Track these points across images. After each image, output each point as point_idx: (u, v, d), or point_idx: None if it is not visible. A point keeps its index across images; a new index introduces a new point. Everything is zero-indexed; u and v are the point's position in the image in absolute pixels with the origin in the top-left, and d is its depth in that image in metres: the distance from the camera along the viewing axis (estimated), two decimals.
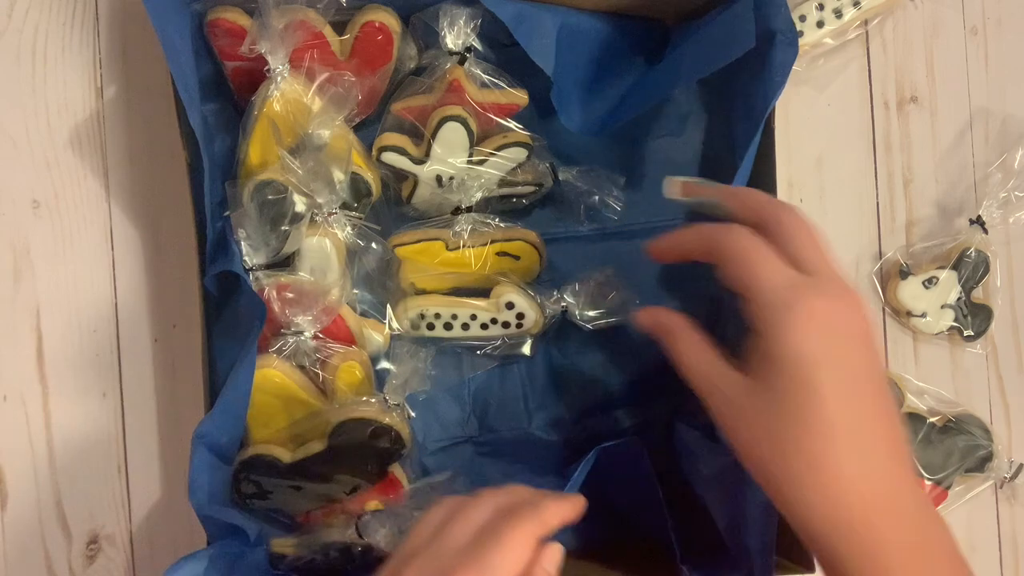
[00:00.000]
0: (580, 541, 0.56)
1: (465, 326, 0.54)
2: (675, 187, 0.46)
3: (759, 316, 0.39)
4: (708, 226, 0.43)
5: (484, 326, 0.54)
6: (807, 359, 0.38)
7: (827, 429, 0.38)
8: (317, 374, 0.51)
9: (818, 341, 0.38)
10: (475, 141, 0.52)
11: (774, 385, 0.39)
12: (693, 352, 0.43)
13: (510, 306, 0.53)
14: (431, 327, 0.54)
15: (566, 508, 0.42)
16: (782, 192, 0.53)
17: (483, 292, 0.54)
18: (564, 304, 0.54)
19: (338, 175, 0.50)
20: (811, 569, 0.50)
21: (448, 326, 0.54)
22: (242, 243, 0.50)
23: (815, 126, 0.61)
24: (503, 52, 0.54)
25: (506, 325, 0.54)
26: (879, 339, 0.41)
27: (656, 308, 0.46)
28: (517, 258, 0.54)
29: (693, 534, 0.50)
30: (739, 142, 0.52)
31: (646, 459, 0.49)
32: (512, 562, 0.37)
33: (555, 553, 0.39)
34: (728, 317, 0.57)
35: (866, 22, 0.61)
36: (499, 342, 0.55)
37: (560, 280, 0.55)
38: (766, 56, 0.50)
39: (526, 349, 0.56)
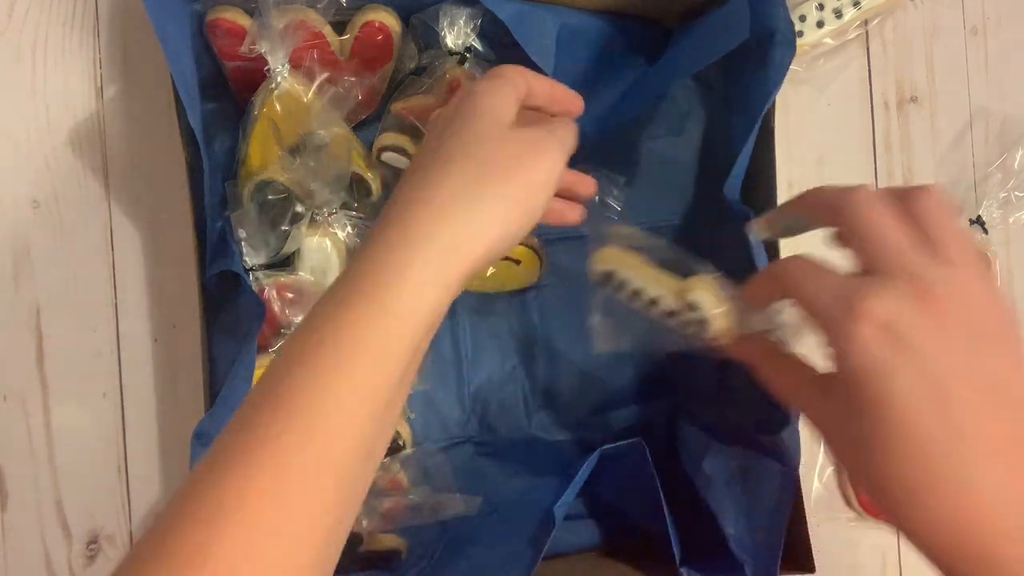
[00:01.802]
0: (581, 541, 0.56)
1: (647, 307, 0.47)
2: (760, 228, 0.44)
3: (829, 337, 0.35)
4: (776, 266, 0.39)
5: (664, 315, 0.47)
6: (871, 372, 0.33)
7: (912, 451, 0.33)
8: None
9: (884, 349, 0.33)
10: None
11: (849, 404, 0.34)
12: (778, 382, 0.40)
13: (693, 307, 0.45)
14: (617, 289, 0.48)
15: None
16: (782, 192, 0.53)
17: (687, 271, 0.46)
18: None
19: (338, 175, 0.50)
20: (811, 570, 0.49)
21: (631, 299, 0.48)
22: (242, 243, 0.50)
23: (815, 126, 0.61)
24: (503, 52, 0.54)
25: (686, 323, 0.46)
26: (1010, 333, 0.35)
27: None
28: (517, 262, 0.54)
29: (694, 536, 0.50)
30: (737, 141, 0.52)
31: (648, 460, 0.49)
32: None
33: None
34: None
35: (866, 22, 0.61)
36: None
37: (562, 278, 0.55)
38: (765, 55, 0.50)
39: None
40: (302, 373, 0.33)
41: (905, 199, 0.37)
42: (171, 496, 0.31)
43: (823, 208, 0.40)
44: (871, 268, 0.35)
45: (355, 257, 0.36)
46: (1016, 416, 0.33)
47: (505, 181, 0.37)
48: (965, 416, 0.33)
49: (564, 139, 0.41)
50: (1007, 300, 0.35)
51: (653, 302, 0.46)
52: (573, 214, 0.47)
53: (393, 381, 0.34)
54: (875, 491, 0.35)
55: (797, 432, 0.48)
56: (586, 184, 0.47)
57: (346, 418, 0.32)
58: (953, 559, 0.34)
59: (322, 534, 0.32)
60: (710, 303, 0.44)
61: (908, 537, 0.34)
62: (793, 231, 0.43)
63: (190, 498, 0.31)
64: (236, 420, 0.33)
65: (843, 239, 0.37)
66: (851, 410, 0.35)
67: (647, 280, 0.46)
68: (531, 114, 0.44)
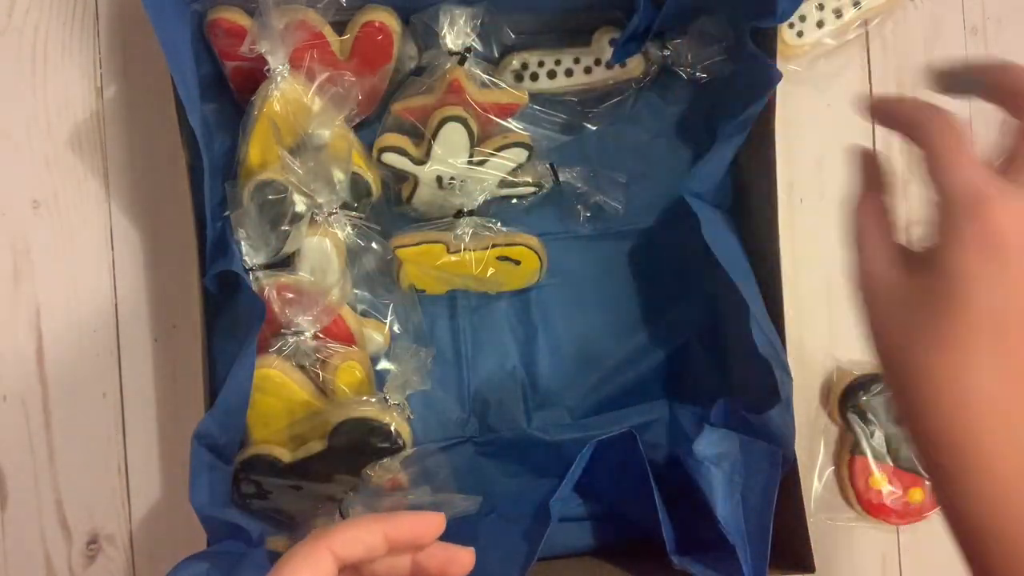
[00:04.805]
0: (581, 543, 0.56)
1: (569, 72, 0.54)
2: (932, 74, 0.40)
3: (940, 218, 0.35)
4: (917, 103, 0.38)
5: (588, 69, 0.54)
6: (964, 274, 0.33)
7: (968, 351, 0.33)
8: (317, 374, 0.51)
9: (983, 259, 0.33)
10: (476, 142, 0.52)
11: (931, 292, 0.35)
12: (868, 225, 0.41)
13: (613, 43, 0.53)
14: (535, 77, 0.54)
15: (375, 527, 0.35)
16: (782, 193, 0.53)
17: (584, 40, 0.54)
18: (667, 52, 0.54)
19: (338, 175, 0.50)
20: (811, 570, 0.50)
21: (552, 74, 0.54)
22: (242, 243, 0.50)
23: (815, 126, 0.61)
24: (504, 52, 0.54)
25: (609, 66, 0.54)
26: None
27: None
28: (517, 263, 0.54)
29: (690, 530, 0.51)
30: (718, 142, 0.53)
31: (639, 449, 0.49)
32: None
33: None
34: (727, 316, 0.57)
35: (866, 22, 0.61)
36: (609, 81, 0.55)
37: (562, 278, 0.55)
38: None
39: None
40: None
41: None
42: None
43: (1013, 92, 0.38)
44: (1015, 168, 0.36)
45: None
46: None
47: None
48: (1013, 347, 0.33)
49: None
50: None
51: (576, 61, 0.53)
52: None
53: None
54: (900, 369, 0.35)
55: (789, 414, 0.49)
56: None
57: None
58: (936, 446, 0.34)
59: None
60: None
61: (916, 420, 0.34)
62: (957, 91, 0.42)
63: None
64: None
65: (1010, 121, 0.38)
66: (927, 293, 0.35)
67: (558, 52, 0.53)
68: None
